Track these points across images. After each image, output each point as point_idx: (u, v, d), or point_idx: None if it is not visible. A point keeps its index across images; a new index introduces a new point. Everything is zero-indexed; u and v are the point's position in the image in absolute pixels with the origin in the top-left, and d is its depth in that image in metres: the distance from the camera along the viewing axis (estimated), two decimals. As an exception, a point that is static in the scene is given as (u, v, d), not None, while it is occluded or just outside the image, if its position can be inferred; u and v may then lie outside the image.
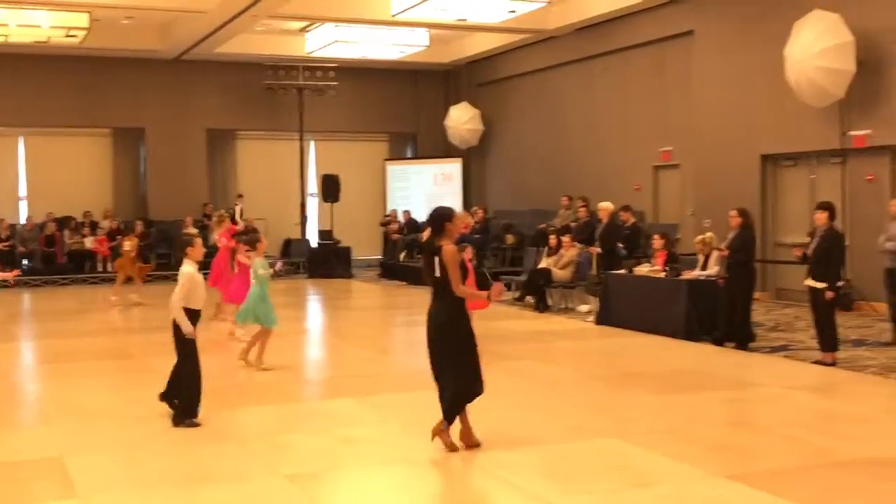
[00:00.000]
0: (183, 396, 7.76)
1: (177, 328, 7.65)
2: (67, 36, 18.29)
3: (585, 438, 7.37)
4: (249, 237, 11.34)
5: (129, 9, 18.62)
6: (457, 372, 6.67)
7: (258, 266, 10.39)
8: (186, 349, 7.68)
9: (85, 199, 22.60)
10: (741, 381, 9.81)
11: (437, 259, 6.63)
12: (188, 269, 7.72)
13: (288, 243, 23.76)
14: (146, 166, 23.71)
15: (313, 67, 23.25)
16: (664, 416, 8.14)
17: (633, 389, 9.30)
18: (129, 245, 16.97)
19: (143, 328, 14.50)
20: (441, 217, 6.80)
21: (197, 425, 7.62)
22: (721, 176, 16.75)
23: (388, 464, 6.81)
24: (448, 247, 6.62)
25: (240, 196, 23.33)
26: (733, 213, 11.37)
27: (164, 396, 7.94)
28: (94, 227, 22.05)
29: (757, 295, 15.77)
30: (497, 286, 6.95)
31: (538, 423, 7.88)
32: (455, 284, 6.57)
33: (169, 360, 8.03)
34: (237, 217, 21.54)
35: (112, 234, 21.31)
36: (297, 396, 9.49)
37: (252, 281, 10.45)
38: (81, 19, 17.67)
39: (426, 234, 16.57)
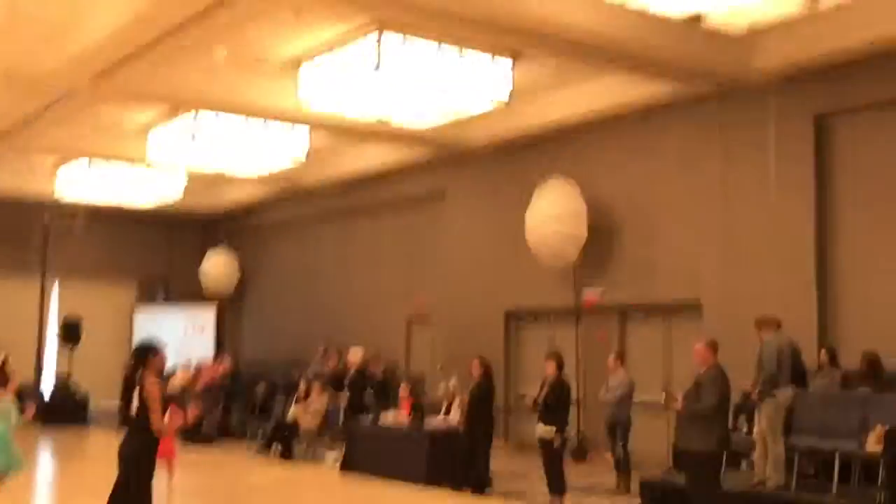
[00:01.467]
0: None
1: None
2: None
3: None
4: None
5: None
6: None
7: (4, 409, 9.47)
8: None
9: None
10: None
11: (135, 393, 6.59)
12: None
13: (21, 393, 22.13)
14: None
15: (62, 206, 22.41)
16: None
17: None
18: None
19: None
20: (146, 350, 6.80)
21: None
22: (468, 330, 17.43)
23: None
24: (151, 379, 6.60)
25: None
26: (475, 362, 11.90)
27: None
28: None
29: (500, 444, 16.39)
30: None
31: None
32: (156, 419, 6.55)
33: None
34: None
35: None
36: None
37: None
38: None
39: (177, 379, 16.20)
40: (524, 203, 15.70)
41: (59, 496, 12.43)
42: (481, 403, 11.73)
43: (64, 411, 20.80)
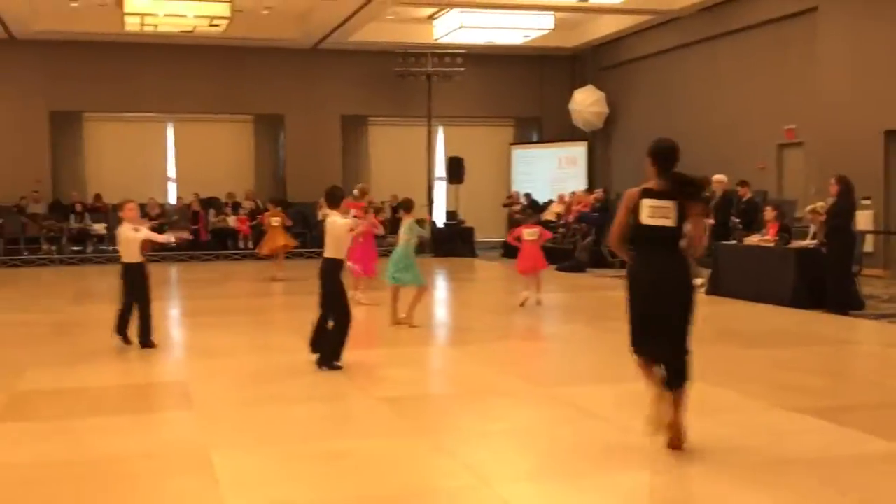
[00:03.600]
0: (331, 343, 8.13)
1: (331, 279, 8.09)
2: (211, 25, 19.57)
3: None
4: (405, 200, 11.51)
5: (267, -1, 19.79)
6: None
7: (408, 229, 10.81)
8: (338, 304, 8.11)
9: (228, 181, 24.01)
10: (835, 339, 9.94)
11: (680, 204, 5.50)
12: None
13: (417, 223, 24.59)
14: (285, 151, 25.01)
15: (441, 54, 24.03)
16: (749, 365, 8.43)
17: (725, 345, 9.57)
18: (276, 220, 17.23)
19: (282, 292, 15.51)
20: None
21: (339, 368, 8.05)
22: (844, 153, 16.54)
23: (473, 392, 7.40)
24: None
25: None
26: (832, 180, 11.44)
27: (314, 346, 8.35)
28: (236, 207, 23.44)
29: (880, 272, 15.68)
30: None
31: (623, 368, 8.32)
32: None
33: (294, 315, 8.81)
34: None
35: (252, 214, 22.61)
36: (410, 342, 10.06)
37: (403, 242, 10.81)
38: (224, 9, 18.87)
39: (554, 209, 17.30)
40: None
41: (455, 311, 13.83)
42: (838, 220, 11.31)
43: (452, 243, 22.85)
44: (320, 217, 14.62)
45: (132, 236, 9.15)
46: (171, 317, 12.93)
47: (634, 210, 5.56)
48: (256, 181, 24.88)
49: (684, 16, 20.76)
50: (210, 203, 23.45)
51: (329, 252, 8.19)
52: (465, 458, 5.47)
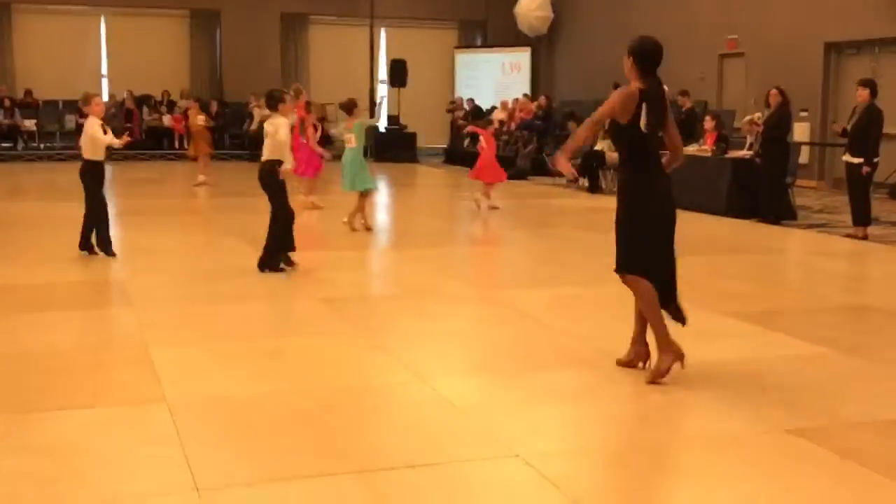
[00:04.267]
0: (269, 241, 8.08)
1: (273, 179, 8.00)
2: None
3: (601, 286, 7.93)
4: (347, 102, 10.96)
5: None
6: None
7: (357, 129, 10.51)
8: (278, 201, 8.03)
9: (163, 78, 23.44)
10: (767, 247, 10.23)
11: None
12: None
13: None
14: (222, 48, 24.44)
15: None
16: (683, 271, 8.61)
17: (661, 251, 9.78)
18: (201, 120, 16.59)
19: (215, 193, 15.35)
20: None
21: (281, 270, 8.06)
22: (785, 64, 16.72)
23: (414, 293, 7.51)
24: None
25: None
26: (773, 91, 11.61)
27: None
28: (171, 105, 22.97)
29: (813, 183, 16.04)
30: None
31: (558, 273, 8.50)
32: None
33: (232, 216, 8.76)
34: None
35: (188, 113, 22.20)
36: (354, 246, 10.07)
37: (349, 147, 10.56)
38: None
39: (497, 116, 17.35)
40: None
41: (399, 216, 13.88)
42: (776, 131, 11.52)
43: (394, 149, 22.75)
44: (257, 121, 13.63)
45: (101, 137, 8.56)
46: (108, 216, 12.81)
47: (634, 114, 4.97)
48: (192, 79, 24.35)
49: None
50: (144, 101, 22.93)
51: (269, 154, 8.11)
52: (402, 356, 5.59)
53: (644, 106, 4.96)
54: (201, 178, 15.86)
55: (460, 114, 23.72)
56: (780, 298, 7.58)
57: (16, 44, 23.00)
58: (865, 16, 15.18)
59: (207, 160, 16.25)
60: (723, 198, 12.48)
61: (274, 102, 8.26)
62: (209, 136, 16.72)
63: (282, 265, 8.09)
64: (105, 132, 8.62)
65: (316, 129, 12.61)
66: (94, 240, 8.80)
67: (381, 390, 5.03)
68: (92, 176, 8.75)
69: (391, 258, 9.70)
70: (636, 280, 5.25)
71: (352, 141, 10.56)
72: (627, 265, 5.26)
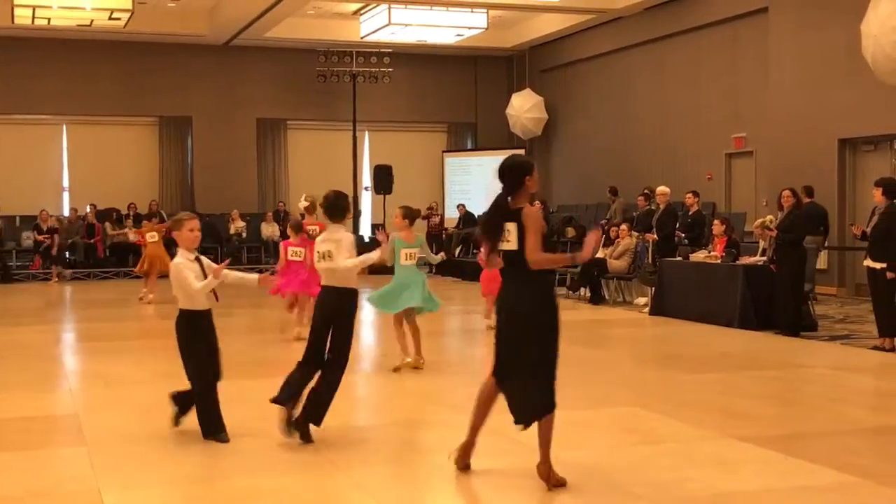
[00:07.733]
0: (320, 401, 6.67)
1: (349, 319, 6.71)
2: (111, 19, 19.33)
3: (605, 407, 7.86)
4: (415, 211, 9.97)
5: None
6: (537, 371, 5.87)
7: (420, 245, 9.81)
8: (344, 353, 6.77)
9: (130, 190, 23.64)
10: (786, 362, 10.16)
11: (512, 225, 5.53)
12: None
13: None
14: (193, 157, 24.76)
15: (367, 53, 24.06)
16: (694, 391, 8.58)
17: (671, 369, 9.74)
18: (151, 236, 16.43)
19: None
20: (518, 168, 5.66)
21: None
22: (796, 162, 16.95)
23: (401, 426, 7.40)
24: (529, 208, 5.61)
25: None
26: (786, 192, 11.74)
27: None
28: (137, 219, 23.09)
29: (833, 290, 16.08)
30: (592, 234, 6.01)
31: (563, 394, 8.40)
32: (533, 251, 5.50)
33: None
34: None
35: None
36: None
37: (415, 260, 9.79)
38: (125, 1, 18.68)
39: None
40: (859, 13, 14.81)
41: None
42: (790, 235, 11.61)
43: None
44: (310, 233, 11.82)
45: (192, 284, 6.63)
46: (64, 341, 12.72)
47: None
48: (161, 191, 24.60)
49: (628, 15, 21.13)
50: (107, 215, 23.07)
51: (332, 281, 6.81)
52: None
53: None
54: (150, 295, 16.02)
55: (436, 220, 23.92)
56: (801, 420, 7.49)
57: (-28, 156, 23.29)
58: (880, 110, 15.46)
59: (154, 276, 16.04)
60: (735, 308, 12.47)
61: (342, 212, 6.95)
62: (161, 251, 16.08)
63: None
64: (205, 274, 6.67)
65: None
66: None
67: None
68: (186, 329, 6.89)
69: (374, 383, 9.54)
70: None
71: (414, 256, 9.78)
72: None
